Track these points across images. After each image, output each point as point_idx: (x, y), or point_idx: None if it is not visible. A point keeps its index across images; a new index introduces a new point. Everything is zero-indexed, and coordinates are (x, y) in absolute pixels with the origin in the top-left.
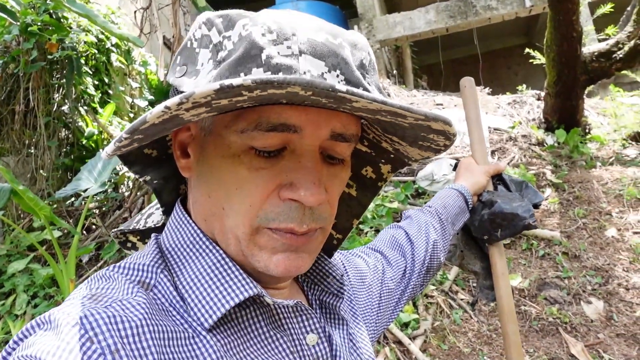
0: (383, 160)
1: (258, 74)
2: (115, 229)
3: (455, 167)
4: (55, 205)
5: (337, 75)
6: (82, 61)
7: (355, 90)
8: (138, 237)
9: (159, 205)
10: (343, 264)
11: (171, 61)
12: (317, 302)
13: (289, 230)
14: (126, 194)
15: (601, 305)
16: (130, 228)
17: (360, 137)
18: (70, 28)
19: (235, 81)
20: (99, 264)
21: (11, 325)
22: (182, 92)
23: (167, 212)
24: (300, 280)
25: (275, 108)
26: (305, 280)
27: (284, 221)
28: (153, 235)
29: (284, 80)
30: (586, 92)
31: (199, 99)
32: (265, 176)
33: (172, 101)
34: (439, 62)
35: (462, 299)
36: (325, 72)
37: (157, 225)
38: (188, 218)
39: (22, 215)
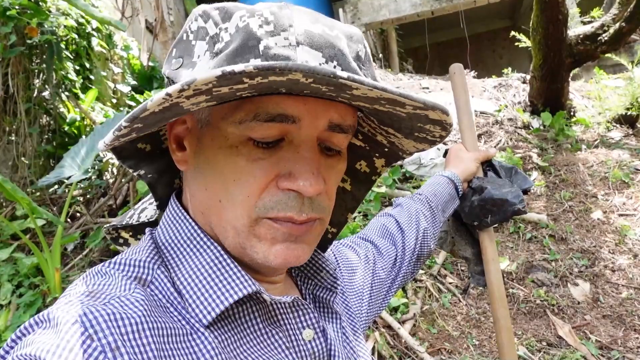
0: (377, 154)
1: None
2: (108, 225)
3: (445, 154)
4: (38, 193)
5: (335, 67)
6: (63, 46)
7: (356, 77)
8: (130, 233)
9: (152, 200)
10: (335, 255)
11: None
12: (311, 296)
13: (288, 219)
14: (111, 181)
15: (587, 287)
16: (123, 223)
17: (355, 131)
18: (50, 12)
19: (237, 67)
20: (84, 252)
21: None
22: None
23: (161, 207)
24: (294, 274)
25: (274, 98)
26: (298, 275)
27: (282, 210)
28: (147, 229)
29: (285, 67)
30: (571, 75)
31: (200, 85)
32: (264, 167)
33: (173, 88)
34: (424, 45)
35: (450, 283)
36: (323, 63)
37: (150, 220)
38: (184, 213)
39: (4, 203)
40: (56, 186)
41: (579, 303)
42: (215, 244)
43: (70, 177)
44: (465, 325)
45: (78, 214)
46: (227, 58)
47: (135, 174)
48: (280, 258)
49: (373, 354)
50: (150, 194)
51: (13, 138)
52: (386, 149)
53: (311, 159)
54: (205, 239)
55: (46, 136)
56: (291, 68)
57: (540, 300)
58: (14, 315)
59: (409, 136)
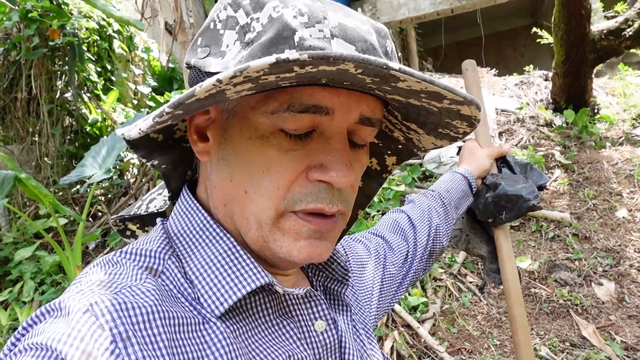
0: (389, 152)
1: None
2: (114, 216)
3: (459, 152)
4: (60, 193)
5: None
6: (84, 48)
7: (407, 68)
8: (138, 225)
9: (160, 191)
10: (345, 250)
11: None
12: (322, 288)
13: (319, 210)
14: (131, 180)
15: (612, 286)
16: (131, 214)
17: None
18: (71, 14)
19: (292, 55)
20: (105, 251)
21: (18, 312)
22: (207, 72)
23: (172, 198)
24: (305, 266)
25: (308, 89)
26: (309, 266)
27: (312, 202)
28: (159, 220)
29: (340, 56)
30: (594, 71)
31: (252, 72)
32: (294, 158)
33: (224, 75)
34: (442, 44)
35: (471, 282)
36: None
37: (159, 210)
38: (197, 204)
39: (27, 203)
40: (78, 186)
41: (603, 303)
42: (228, 235)
43: (91, 176)
44: (485, 324)
45: (99, 213)
46: (261, 48)
47: (148, 164)
48: (304, 254)
49: (392, 353)
50: (158, 185)
51: (36, 139)
52: (400, 146)
53: (343, 151)
54: (217, 230)
55: (68, 137)
56: (345, 58)
57: (564, 300)
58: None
59: (432, 132)
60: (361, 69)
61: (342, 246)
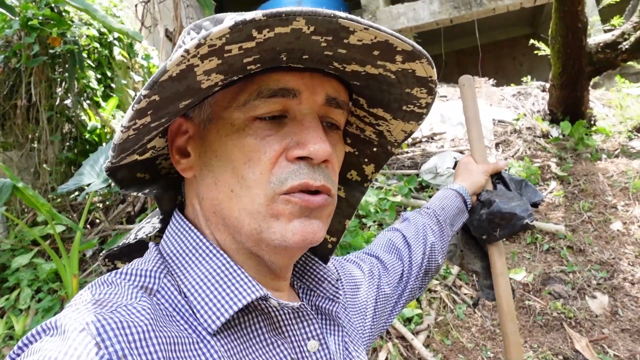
0: (366, 160)
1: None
2: (103, 253)
3: (454, 167)
4: (59, 200)
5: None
6: (84, 55)
7: (352, 16)
8: (127, 262)
9: (149, 220)
10: (338, 271)
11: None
12: (313, 307)
13: (304, 186)
14: None
15: (606, 299)
16: (120, 245)
17: (344, 134)
18: (72, 22)
19: (248, 15)
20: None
21: (14, 320)
22: None
23: (164, 221)
24: (296, 286)
25: (273, 76)
26: (301, 287)
27: (296, 179)
28: (151, 243)
29: (290, 12)
30: (591, 83)
31: (215, 39)
32: (272, 142)
33: (190, 44)
34: (442, 53)
35: (465, 294)
36: None
37: (149, 235)
38: (189, 224)
39: (26, 210)
40: (76, 193)
41: (597, 316)
42: (222, 252)
43: (89, 184)
44: (480, 337)
45: (97, 221)
46: None
47: (140, 194)
48: (298, 234)
49: None
50: (147, 216)
51: (35, 145)
52: (375, 148)
53: (316, 127)
54: (210, 247)
55: (68, 143)
56: (295, 12)
57: (557, 313)
58: (32, 320)
59: (398, 113)
60: (313, 24)
61: (335, 267)
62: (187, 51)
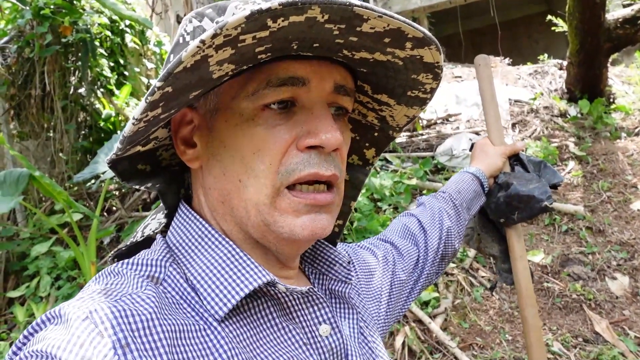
0: (367, 144)
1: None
2: (112, 253)
3: (471, 149)
4: (75, 188)
5: None
6: (97, 43)
7: (367, 4)
8: None
9: (154, 215)
10: (351, 257)
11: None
12: (326, 291)
13: (314, 176)
14: None
15: (626, 281)
16: (128, 244)
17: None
18: (83, 10)
19: (264, 5)
20: (119, 246)
21: (34, 308)
22: None
23: (169, 216)
24: (307, 271)
25: (282, 64)
26: (313, 272)
27: (305, 168)
28: (159, 235)
29: (306, 0)
30: (610, 60)
31: (231, 29)
32: (282, 131)
33: (205, 34)
34: (457, 32)
35: (482, 277)
36: None
37: (155, 232)
38: (195, 214)
39: (43, 198)
40: (93, 181)
41: (617, 298)
42: (227, 239)
43: (104, 172)
44: (497, 320)
45: (114, 208)
46: None
47: (142, 188)
48: (307, 229)
49: (403, 348)
50: (152, 211)
51: (51, 134)
52: (376, 133)
53: (326, 116)
54: (216, 235)
55: (83, 132)
56: (310, 0)
57: (577, 295)
58: (52, 307)
59: (402, 99)
60: (327, 13)
61: (349, 254)
62: (202, 42)
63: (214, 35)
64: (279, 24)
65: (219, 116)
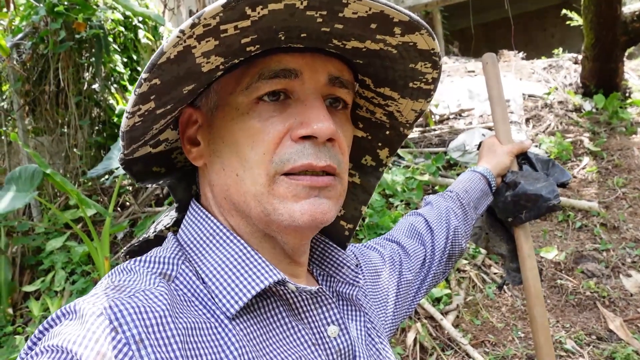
0: (380, 144)
1: None
2: (124, 249)
3: (479, 148)
4: (89, 183)
5: None
6: (110, 39)
7: None
8: None
9: (167, 213)
10: (357, 258)
11: None
12: (334, 294)
13: (307, 166)
14: None
15: None
16: (140, 239)
17: (355, 118)
18: (97, 6)
19: None
20: (132, 242)
21: (49, 303)
22: None
23: (181, 209)
24: (316, 274)
25: (274, 57)
26: (321, 274)
27: (299, 159)
28: (170, 233)
29: None
30: (626, 54)
31: (209, 18)
32: (275, 122)
33: (184, 24)
34: (470, 26)
35: (495, 273)
36: None
37: (167, 227)
38: (205, 212)
39: (58, 193)
40: (107, 176)
41: (631, 295)
42: (238, 238)
43: (117, 168)
44: (510, 317)
45: (127, 203)
46: None
47: (155, 185)
48: (307, 214)
49: (415, 345)
50: (167, 208)
51: (65, 130)
52: (387, 131)
53: (319, 106)
54: (228, 234)
55: (97, 128)
56: None
57: (590, 292)
58: (67, 302)
59: (406, 91)
60: (306, 0)
61: (355, 254)
62: (182, 31)
63: (193, 25)
64: (258, 13)
65: (218, 113)
